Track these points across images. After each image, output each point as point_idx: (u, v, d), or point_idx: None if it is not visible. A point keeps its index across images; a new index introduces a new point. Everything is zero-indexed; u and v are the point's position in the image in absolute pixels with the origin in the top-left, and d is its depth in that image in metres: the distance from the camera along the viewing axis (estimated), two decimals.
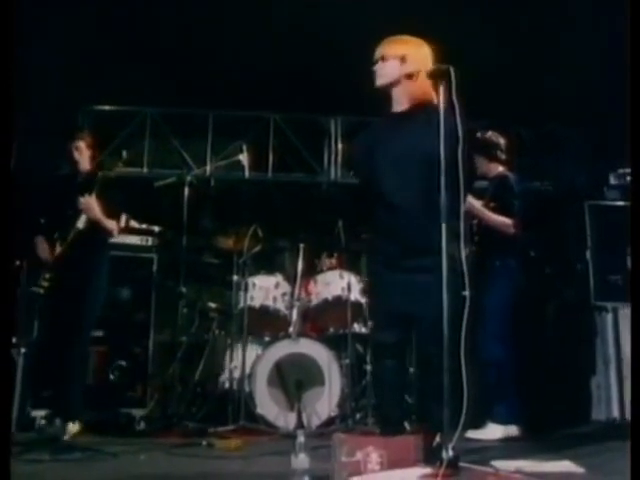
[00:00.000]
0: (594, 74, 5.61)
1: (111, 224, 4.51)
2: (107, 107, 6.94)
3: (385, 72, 3.33)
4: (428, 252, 2.96)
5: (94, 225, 4.40)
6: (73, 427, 4.25)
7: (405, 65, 3.28)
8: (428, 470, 2.61)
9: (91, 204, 4.35)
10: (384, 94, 3.38)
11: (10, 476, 2.29)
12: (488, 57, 5.53)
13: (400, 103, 3.34)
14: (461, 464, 2.72)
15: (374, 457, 2.60)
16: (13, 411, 4.43)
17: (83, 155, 4.63)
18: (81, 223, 4.35)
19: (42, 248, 4.45)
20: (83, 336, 4.49)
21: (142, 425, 4.88)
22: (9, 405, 2.58)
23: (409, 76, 3.29)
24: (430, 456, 2.72)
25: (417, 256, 3.11)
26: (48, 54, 5.54)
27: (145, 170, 6.92)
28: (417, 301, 3.09)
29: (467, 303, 2.77)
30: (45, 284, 4.25)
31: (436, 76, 3.02)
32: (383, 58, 3.33)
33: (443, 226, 2.80)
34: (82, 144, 4.65)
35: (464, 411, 2.64)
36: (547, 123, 7.03)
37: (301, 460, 2.95)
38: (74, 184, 4.56)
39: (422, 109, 3.24)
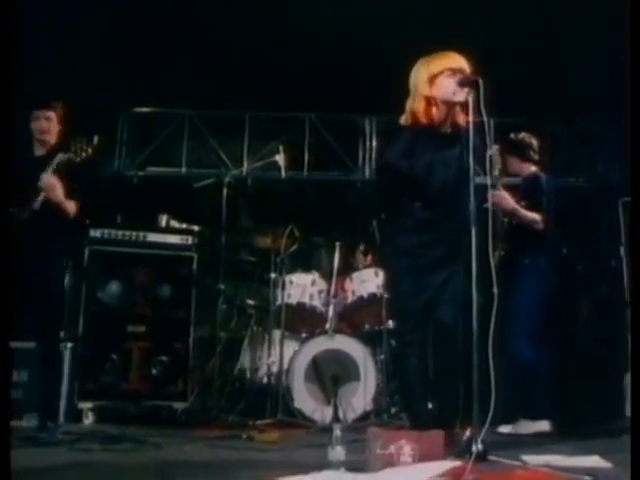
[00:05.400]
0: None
1: (70, 206, 4.02)
2: (146, 109, 7.09)
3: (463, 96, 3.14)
4: (462, 250, 3.03)
5: (52, 206, 3.95)
6: None
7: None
8: (458, 463, 2.71)
9: (53, 183, 3.92)
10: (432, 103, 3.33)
11: (10, 472, 2.31)
12: (521, 54, 5.54)
13: (446, 123, 3.35)
14: (490, 457, 2.81)
15: (406, 450, 2.71)
16: (61, 402, 4.61)
17: (52, 128, 4.15)
18: (37, 203, 3.91)
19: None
20: (49, 330, 4.11)
21: (183, 418, 5.02)
22: (8, 403, 2.64)
23: None
24: (460, 450, 2.82)
25: (456, 254, 3.16)
26: (87, 57, 5.71)
27: (184, 170, 7.06)
28: (449, 298, 3.18)
29: (495, 300, 2.85)
30: None
31: (464, 86, 3.06)
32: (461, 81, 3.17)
33: (473, 230, 2.88)
34: (53, 115, 4.16)
35: (492, 406, 2.74)
36: (582, 119, 7.01)
37: (337, 452, 3.05)
38: (35, 160, 4.12)
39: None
